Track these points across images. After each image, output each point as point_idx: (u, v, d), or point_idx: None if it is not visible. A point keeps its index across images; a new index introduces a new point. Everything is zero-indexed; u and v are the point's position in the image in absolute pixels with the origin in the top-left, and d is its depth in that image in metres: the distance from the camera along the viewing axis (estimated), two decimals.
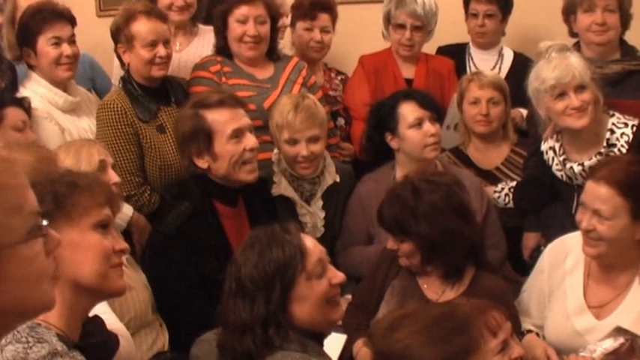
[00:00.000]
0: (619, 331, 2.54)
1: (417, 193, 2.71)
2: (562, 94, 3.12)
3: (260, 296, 2.13)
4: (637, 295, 2.65)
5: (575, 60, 3.15)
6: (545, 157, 3.33)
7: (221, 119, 2.97)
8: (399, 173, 3.35)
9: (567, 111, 3.12)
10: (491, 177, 3.70)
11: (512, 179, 3.65)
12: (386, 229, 2.80)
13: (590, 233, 2.61)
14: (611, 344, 2.50)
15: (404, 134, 3.34)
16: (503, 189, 3.59)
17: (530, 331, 2.86)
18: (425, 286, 2.81)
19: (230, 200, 3.05)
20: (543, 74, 3.14)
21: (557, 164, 3.29)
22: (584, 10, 3.63)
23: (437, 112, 3.40)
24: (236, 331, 2.14)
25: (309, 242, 2.22)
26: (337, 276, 2.25)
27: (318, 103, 3.44)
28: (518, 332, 2.73)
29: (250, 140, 3.00)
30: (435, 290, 2.78)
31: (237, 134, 2.98)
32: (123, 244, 1.88)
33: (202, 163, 3.00)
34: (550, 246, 2.95)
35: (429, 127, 3.30)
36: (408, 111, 3.34)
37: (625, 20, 3.69)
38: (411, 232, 2.70)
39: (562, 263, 2.83)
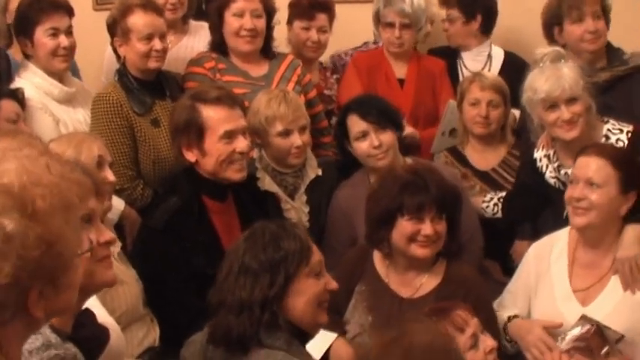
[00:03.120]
0: (585, 319, 2.69)
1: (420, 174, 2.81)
2: (553, 106, 3.15)
3: (264, 278, 2.19)
4: (617, 284, 2.77)
5: (567, 71, 3.16)
6: (539, 164, 3.36)
7: (215, 117, 2.97)
8: (373, 178, 3.33)
9: (558, 123, 3.15)
10: (487, 178, 3.72)
11: (508, 181, 3.67)
12: (419, 210, 2.75)
13: (582, 202, 2.73)
14: (579, 331, 2.67)
15: (353, 145, 3.37)
16: (492, 199, 3.60)
17: (516, 316, 2.91)
18: (395, 285, 2.84)
19: (219, 195, 3.05)
20: (535, 85, 3.16)
21: (551, 171, 3.32)
22: (572, 21, 3.64)
23: (387, 119, 3.35)
24: (233, 310, 2.18)
25: (312, 244, 2.32)
26: (332, 283, 2.33)
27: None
28: (494, 321, 2.83)
29: (242, 143, 2.99)
30: (407, 288, 2.82)
31: (230, 136, 2.97)
32: (108, 236, 1.84)
33: (191, 156, 3.00)
34: (535, 244, 3.04)
35: (372, 139, 3.29)
36: (352, 124, 3.35)
37: (607, 21, 3.72)
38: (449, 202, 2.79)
39: (548, 255, 2.93)
